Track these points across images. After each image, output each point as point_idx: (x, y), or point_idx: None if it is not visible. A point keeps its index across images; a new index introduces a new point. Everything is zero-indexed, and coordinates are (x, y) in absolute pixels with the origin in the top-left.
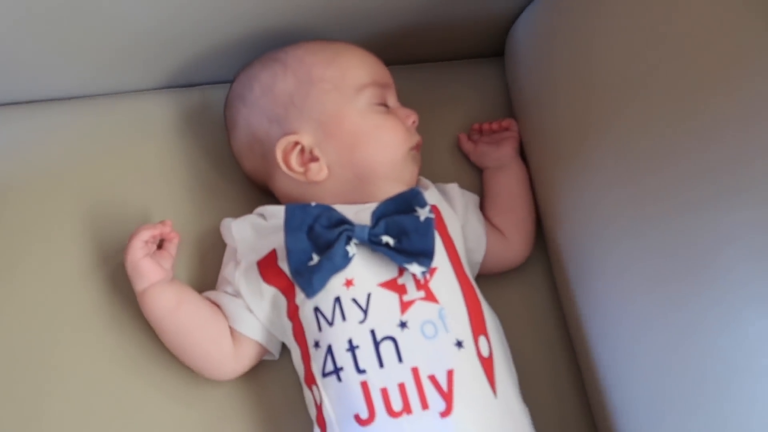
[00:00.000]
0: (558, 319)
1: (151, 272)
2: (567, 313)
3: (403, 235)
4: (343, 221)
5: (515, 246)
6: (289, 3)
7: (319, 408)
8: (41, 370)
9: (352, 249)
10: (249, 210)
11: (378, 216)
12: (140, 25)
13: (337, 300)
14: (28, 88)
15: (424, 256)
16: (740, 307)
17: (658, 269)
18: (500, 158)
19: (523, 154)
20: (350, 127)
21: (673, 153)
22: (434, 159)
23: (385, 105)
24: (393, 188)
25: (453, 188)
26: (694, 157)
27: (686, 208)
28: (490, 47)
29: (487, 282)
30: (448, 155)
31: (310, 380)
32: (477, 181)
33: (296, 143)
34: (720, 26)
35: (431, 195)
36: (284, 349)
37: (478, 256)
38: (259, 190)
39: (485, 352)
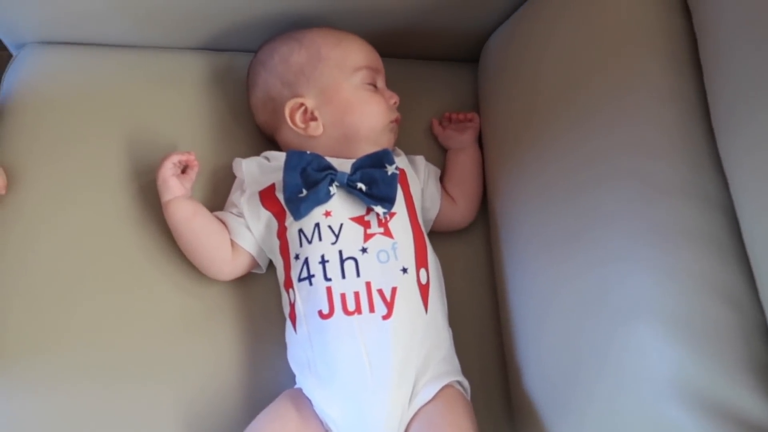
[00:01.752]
0: (488, 270)
1: (176, 188)
2: (495, 266)
3: (373, 183)
4: (329, 167)
5: (463, 211)
6: None
7: (292, 305)
8: (79, 256)
9: (333, 189)
10: (257, 153)
11: (356, 167)
12: None
13: (317, 225)
14: (93, 32)
15: (387, 201)
16: (605, 267)
17: (555, 236)
18: (462, 142)
19: (480, 142)
20: (344, 98)
21: (572, 149)
22: (410, 136)
23: (374, 85)
24: (371, 150)
25: (420, 159)
26: (584, 151)
27: (577, 189)
28: (468, 54)
29: (438, 236)
30: (421, 134)
31: (288, 284)
32: (441, 157)
33: (301, 104)
34: (617, 56)
35: (401, 161)
36: (267, 269)
37: (432, 214)
38: (266, 139)
39: (423, 280)
